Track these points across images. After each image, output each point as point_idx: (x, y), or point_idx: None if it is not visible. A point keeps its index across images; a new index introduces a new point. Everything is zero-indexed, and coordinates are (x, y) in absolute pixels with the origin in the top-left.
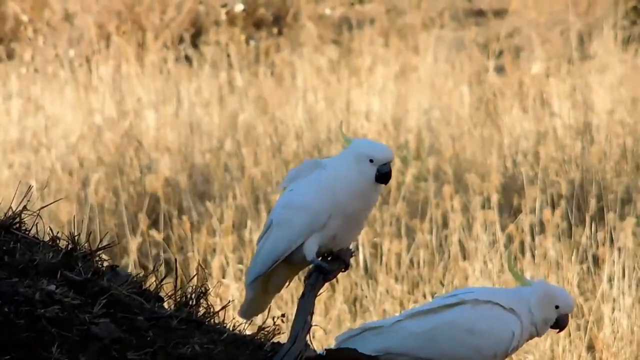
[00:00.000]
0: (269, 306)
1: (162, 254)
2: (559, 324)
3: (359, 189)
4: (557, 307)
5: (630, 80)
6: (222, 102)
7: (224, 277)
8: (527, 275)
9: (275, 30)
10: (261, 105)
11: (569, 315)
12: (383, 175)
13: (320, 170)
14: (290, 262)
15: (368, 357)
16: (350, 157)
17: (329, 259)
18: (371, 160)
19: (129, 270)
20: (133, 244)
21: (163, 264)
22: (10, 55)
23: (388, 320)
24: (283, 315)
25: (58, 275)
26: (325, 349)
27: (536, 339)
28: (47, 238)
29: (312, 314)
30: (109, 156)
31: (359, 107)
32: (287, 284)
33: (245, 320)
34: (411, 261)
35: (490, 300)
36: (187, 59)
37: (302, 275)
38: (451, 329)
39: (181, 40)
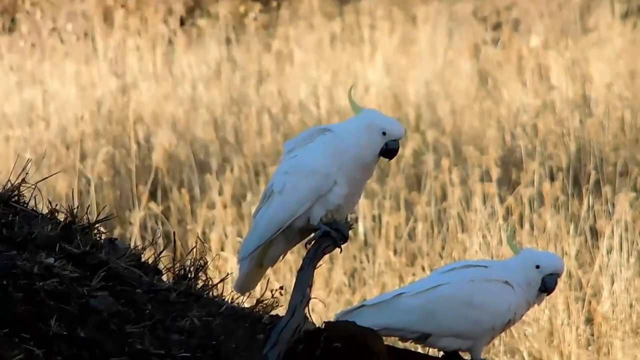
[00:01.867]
0: (266, 279)
1: (161, 226)
2: (545, 286)
3: (364, 158)
4: (537, 267)
5: (629, 54)
6: (221, 75)
7: (222, 250)
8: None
9: (274, 3)
10: (261, 78)
11: (556, 277)
12: (390, 151)
13: (325, 134)
14: (290, 233)
15: (367, 330)
16: (361, 126)
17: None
18: (383, 134)
19: (128, 243)
20: (132, 216)
21: (162, 237)
22: (8, 29)
23: (386, 296)
24: (281, 288)
25: (57, 248)
26: (324, 322)
27: (535, 312)
28: (45, 211)
29: (311, 286)
30: (108, 129)
31: (360, 79)
32: (282, 257)
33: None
34: (410, 234)
35: (486, 275)
36: (187, 32)
37: (301, 248)
38: (449, 303)
39: (182, 16)
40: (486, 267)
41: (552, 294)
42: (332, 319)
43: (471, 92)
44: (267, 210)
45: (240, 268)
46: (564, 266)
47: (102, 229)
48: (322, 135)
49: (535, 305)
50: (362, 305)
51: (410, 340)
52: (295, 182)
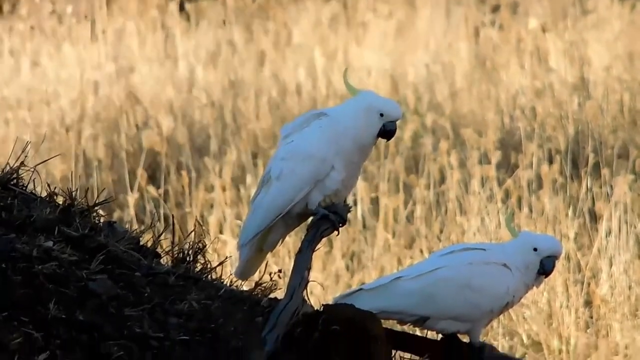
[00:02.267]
0: (265, 262)
1: (160, 209)
2: (544, 268)
3: (362, 140)
4: (535, 249)
5: (628, 36)
6: (220, 57)
7: (221, 233)
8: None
9: None
10: (260, 61)
11: (554, 259)
12: (388, 132)
13: (322, 118)
14: (289, 218)
15: (366, 313)
16: (358, 107)
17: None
18: (381, 115)
19: (127, 227)
20: (131, 199)
21: (161, 220)
22: (6, 11)
23: (385, 279)
24: (280, 271)
25: (55, 232)
26: (323, 305)
27: (534, 294)
28: (44, 194)
29: (309, 269)
30: (106, 112)
31: (358, 62)
32: (281, 241)
33: None
34: (408, 217)
35: (484, 258)
36: (186, 14)
37: (299, 231)
38: (448, 286)
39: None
40: (484, 250)
41: (551, 277)
42: (330, 302)
43: (470, 75)
44: (266, 197)
45: (240, 255)
46: (562, 248)
47: (100, 212)
48: (318, 119)
49: (534, 287)
50: (360, 289)
51: (409, 324)
52: (293, 167)
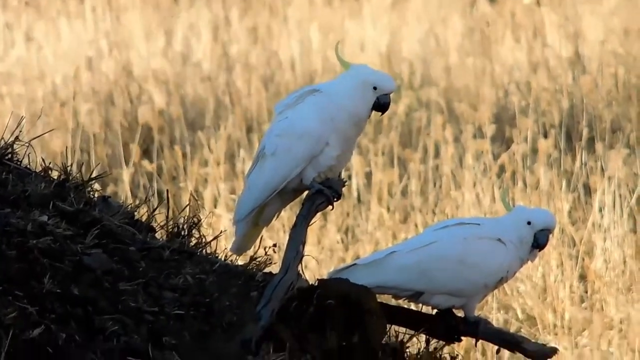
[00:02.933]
0: (259, 237)
1: (154, 184)
2: (537, 242)
3: (357, 114)
4: (529, 223)
5: (623, 10)
6: (214, 33)
7: (215, 207)
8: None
9: None
10: (254, 36)
11: (548, 233)
12: (383, 105)
13: (316, 95)
14: (284, 193)
15: (360, 288)
16: (351, 82)
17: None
18: (375, 88)
19: (121, 201)
20: (125, 174)
21: (155, 195)
22: None
23: (380, 254)
24: (275, 246)
25: (50, 206)
26: (318, 280)
27: (529, 269)
28: (39, 169)
29: (304, 243)
30: (101, 87)
31: (353, 37)
32: (277, 215)
33: None
34: (403, 191)
35: (478, 232)
36: None
37: (294, 205)
38: (442, 261)
39: None
40: (479, 224)
41: (545, 250)
42: (325, 277)
43: (465, 50)
44: (261, 173)
45: (236, 230)
46: (556, 222)
47: (95, 186)
48: (313, 96)
49: (529, 262)
50: (355, 264)
51: (404, 298)
52: (288, 145)
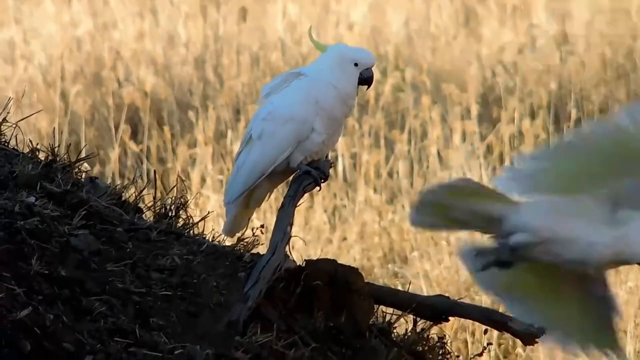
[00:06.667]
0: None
1: (142, 165)
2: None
3: (343, 93)
4: (356, 64)
5: None
6: (202, 12)
7: (202, 188)
8: None
9: None
10: (241, 16)
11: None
12: (367, 79)
13: (301, 78)
14: (272, 175)
15: (347, 268)
16: (332, 61)
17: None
18: (355, 65)
19: (109, 182)
20: (113, 155)
21: (143, 176)
22: None
23: None
24: (262, 226)
25: (37, 187)
26: (305, 260)
27: None
28: (26, 150)
29: (291, 224)
30: (88, 68)
31: (339, 18)
32: (267, 197)
33: None
34: (390, 172)
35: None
36: None
37: (282, 186)
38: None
39: None
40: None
41: None
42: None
43: (451, 30)
44: (248, 157)
45: (226, 213)
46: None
47: (83, 167)
48: (298, 79)
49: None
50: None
51: None
52: (274, 129)
